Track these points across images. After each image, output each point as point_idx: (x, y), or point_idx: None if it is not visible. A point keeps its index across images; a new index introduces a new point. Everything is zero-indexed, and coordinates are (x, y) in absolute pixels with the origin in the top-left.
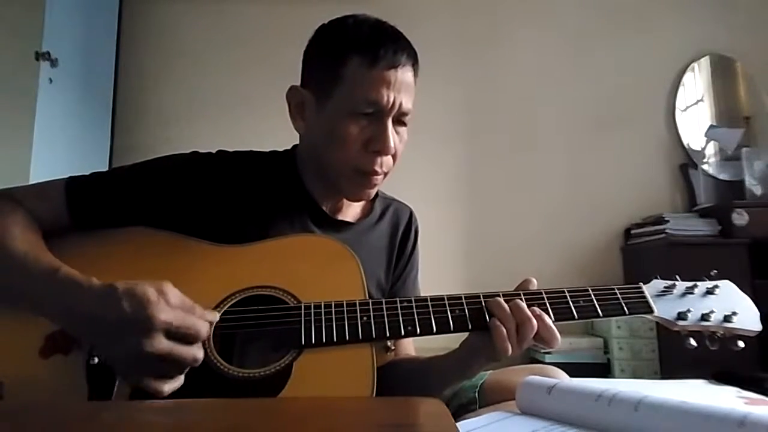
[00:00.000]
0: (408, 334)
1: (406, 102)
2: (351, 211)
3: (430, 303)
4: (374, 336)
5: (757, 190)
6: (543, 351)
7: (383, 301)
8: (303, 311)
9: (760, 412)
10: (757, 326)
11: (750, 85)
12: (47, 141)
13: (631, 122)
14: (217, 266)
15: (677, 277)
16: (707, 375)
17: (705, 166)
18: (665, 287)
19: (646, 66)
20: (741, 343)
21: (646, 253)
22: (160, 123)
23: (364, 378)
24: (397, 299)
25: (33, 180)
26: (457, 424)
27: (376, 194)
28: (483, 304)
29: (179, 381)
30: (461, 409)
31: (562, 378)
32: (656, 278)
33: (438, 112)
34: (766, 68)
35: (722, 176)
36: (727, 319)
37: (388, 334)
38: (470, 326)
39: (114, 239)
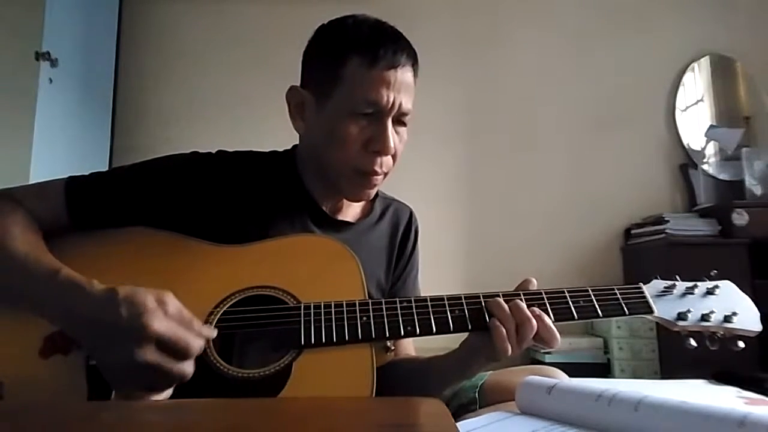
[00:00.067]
0: (408, 335)
1: (406, 102)
2: (351, 211)
3: (429, 303)
4: (374, 336)
5: (757, 190)
6: (543, 351)
7: (383, 301)
8: (303, 311)
9: (760, 412)
10: (757, 326)
11: (750, 85)
12: (47, 141)
13: (631, 122)
14: (217, 266)
15: (677, 277)
16: (707, 375)
17: (705, 166)
18: (665, 287)
19: (646, 66)
20: (741, 344)
21: (646, 253)
22: (160, 123)
23: (364, 378)
24: (397, 299)
25: (33, 180)
26: (457, 424)
27: (376, 194)
28: (483, 304)
29: (166, 395)
30: (461, 409)
31: (562, 378)
32: (656, 278)
33: (438, 112)
34: (766, 68)
35: (722, 176)
36: (727, 319)
37: (387, 335)
38: (470, 326)
39: (114, 239)
